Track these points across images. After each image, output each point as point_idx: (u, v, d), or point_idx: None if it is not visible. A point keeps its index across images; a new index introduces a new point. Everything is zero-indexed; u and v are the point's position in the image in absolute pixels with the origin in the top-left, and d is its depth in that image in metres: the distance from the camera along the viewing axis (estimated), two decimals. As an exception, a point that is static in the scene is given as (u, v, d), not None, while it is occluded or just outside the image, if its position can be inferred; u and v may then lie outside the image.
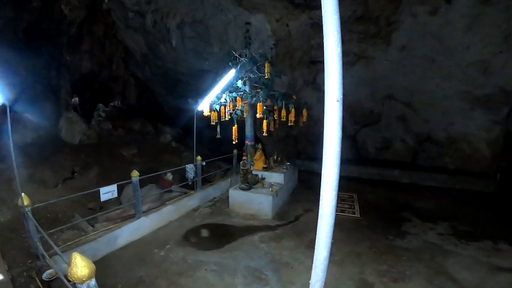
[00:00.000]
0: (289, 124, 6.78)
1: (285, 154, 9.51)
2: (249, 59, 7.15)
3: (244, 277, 4.04)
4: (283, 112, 6.67)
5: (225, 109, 7.08)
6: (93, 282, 2.12)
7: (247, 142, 8.11)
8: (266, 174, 7.25)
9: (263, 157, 7.77)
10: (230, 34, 9.17)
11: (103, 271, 3.93)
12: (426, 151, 10.45)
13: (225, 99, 7.09)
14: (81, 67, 14.32)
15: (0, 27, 9.51)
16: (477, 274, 4.14)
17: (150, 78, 15.11)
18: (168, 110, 17.07)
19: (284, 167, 7.88)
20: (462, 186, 8.57)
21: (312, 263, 4.30)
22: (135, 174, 5.11)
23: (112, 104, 17.11)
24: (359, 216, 6.38)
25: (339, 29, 1.01)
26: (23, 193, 3.60)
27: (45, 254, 3.54)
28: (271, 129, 7.69)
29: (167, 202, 6.18)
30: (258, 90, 7.21)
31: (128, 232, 4.97)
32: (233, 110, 7.09)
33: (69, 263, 2.07)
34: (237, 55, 7.20)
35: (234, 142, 7.20)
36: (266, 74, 6.63)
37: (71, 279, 2.07)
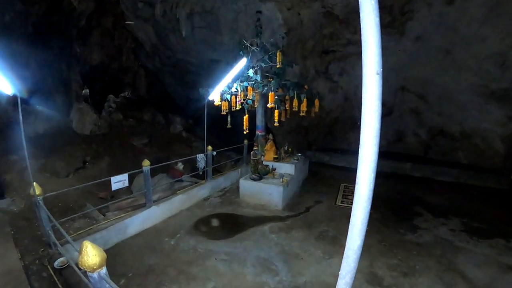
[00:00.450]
0: (300, 114, 6.69)
1: (296, 145, 9.44)
2: (260, 48, 7.05)
3: (253, 267, 4.07)
4: (295, 102, 6.58)
5: (236, 98, 7.03)
6: (104, 270, 2.11)
7: (257, 132, 8.07)
8: (276, 164, 7.20)
9: (274, 148, 7.72)
10: (240, 23, 9.03)
11: (113, 259, 3.99)
12: (439, 145, 10.18)
13: (236, 88, 7.02)
14: (91, 59, 14.44)
15: (10, 21, 9.60)
16: (488, 272, 4.07)
17: (160, 68, 15.12)
18: (178, 100, 17.11)
19: (295, 158, 7.81)
20: (474, 182, 8.34)
21: (322, 254, 4.27)
22: (146, 163, 5.12)
23: (122, 95, 17.29)
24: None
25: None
26: (35, 182, 3.61)
27: (57, 242, 3.58)
28: (282, 119, 7.59)
29: (177, 192, 6.22)
30: (269, 79, 7.12)
31: (139, 221, 5.03)
32: (244, 99, 7.04)
33: (80, 252, 2.06)
34: (248, 44, 7.10)
35: (245, 132, 7.17)
36: (278, 63, 6.53)
37: (82, 267, 2.07)
